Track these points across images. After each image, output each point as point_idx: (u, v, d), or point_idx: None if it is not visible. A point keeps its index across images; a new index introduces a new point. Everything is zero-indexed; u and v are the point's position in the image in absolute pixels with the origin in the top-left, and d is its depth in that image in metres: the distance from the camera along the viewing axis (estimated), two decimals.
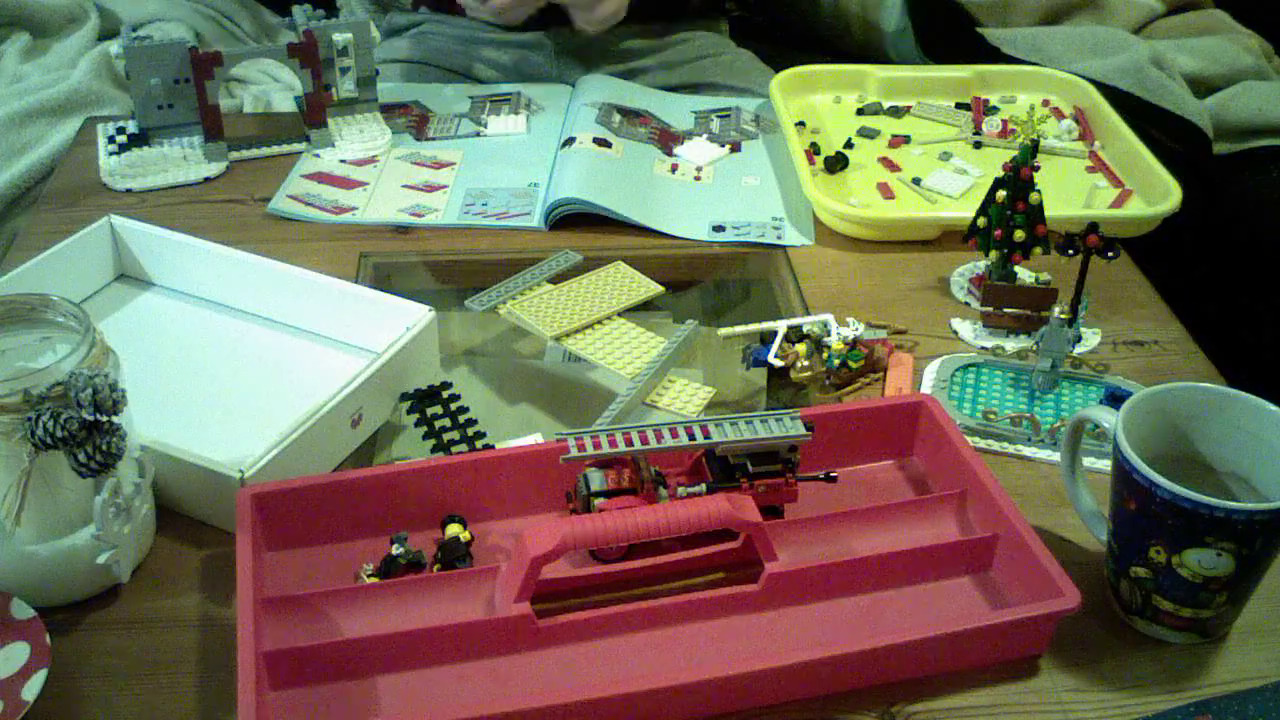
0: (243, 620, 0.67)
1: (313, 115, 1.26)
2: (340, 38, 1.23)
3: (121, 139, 1.24)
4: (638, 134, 1.30)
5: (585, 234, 1.14)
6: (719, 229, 1.15)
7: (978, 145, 1.29)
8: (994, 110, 1.36)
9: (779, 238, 1.14)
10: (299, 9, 1.27)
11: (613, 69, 1.46)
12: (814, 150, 1.27)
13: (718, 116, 1.36)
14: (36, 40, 1.56)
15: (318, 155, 1.26)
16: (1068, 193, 1.20)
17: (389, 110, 1.35)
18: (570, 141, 1.24)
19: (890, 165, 1.25)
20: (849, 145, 1.28)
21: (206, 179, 1.21)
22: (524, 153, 1.28)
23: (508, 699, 0.69)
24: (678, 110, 1.38)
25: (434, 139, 1.30)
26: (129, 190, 1.18)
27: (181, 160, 1.23)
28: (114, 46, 1.36)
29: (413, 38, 1.52)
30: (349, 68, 1.26)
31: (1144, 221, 1.14)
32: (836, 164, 1.24)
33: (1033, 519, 0.79)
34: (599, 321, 0.98)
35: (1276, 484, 0.72)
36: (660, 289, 1.03)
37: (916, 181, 1.22)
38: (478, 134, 1.31)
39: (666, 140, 1.30)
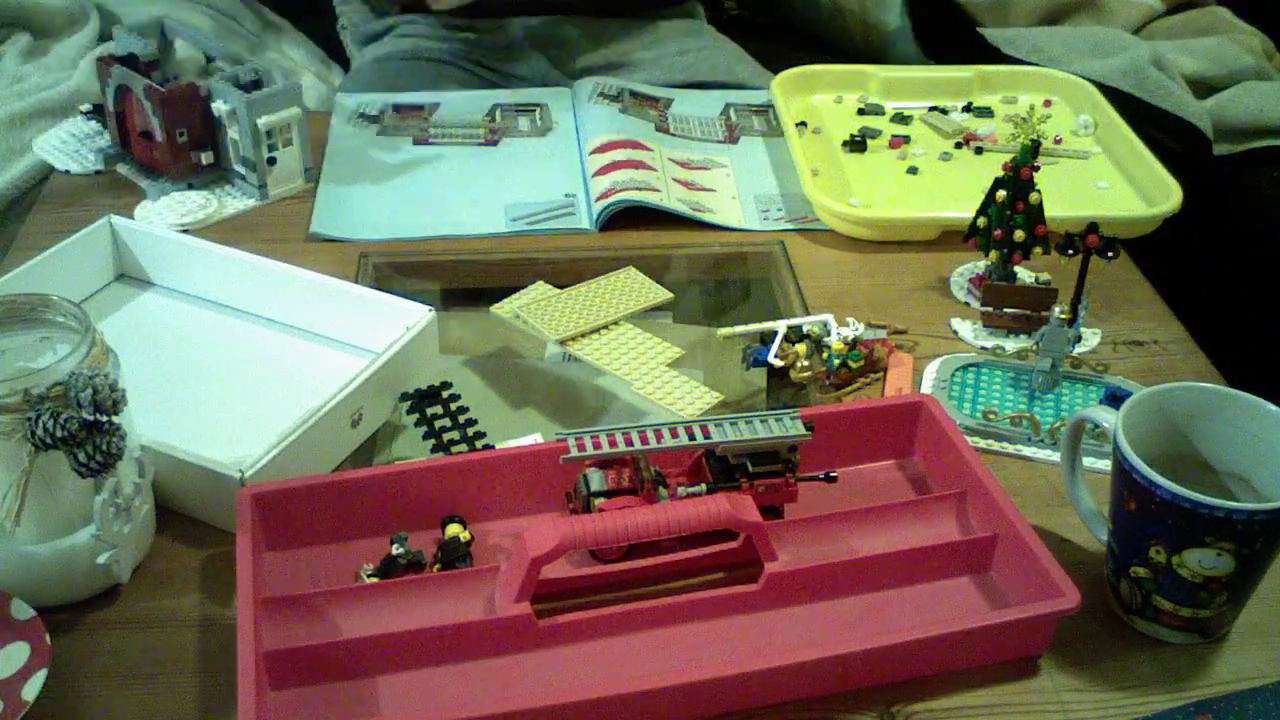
0: (243, 620, 0.67)
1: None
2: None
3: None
4: (649, 115, 1.30)
5: (586, 233, 1.14)
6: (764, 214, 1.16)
7: (979, 151, 1.28)
8: (989, 114, 1.36)
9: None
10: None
11: (592, 62, 1.46)
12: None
13: (719, 115, 1.36)
14: (37, 41, 1.55)
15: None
16: (1068, 193, 1.20)
17: (403, 110, 1.34)
18: (593, 144, 1.24)
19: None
20: (858, 141, 1.29)
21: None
22: (549, 162, 1.25)
23: (508, 699, 0.69)
24: (678, 107, 1.38)
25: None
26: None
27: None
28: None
29: (391, 40, 1.51)
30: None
31: (1144, 221, 1.14)
32: (858, 147, 1.27)
33: (1033, 519, 0.79)
34: (605, 326, 0.97)
35: (1276, 484, 0.72)
36: (669, 295, 1.01)
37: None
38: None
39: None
